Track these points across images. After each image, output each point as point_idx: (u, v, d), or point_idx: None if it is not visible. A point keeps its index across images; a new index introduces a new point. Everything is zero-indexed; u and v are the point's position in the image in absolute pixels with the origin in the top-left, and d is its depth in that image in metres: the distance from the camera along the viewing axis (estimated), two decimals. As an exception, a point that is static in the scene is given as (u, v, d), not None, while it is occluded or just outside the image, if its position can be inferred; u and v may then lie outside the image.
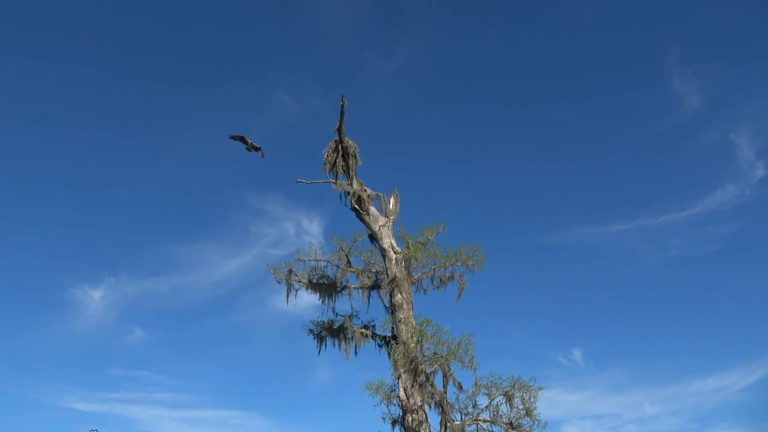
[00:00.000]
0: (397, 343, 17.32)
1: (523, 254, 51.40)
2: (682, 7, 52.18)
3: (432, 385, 16.63)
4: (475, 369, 16.18)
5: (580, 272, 49.20)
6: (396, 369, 16.61)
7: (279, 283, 20.59)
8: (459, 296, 19.28)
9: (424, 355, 16.37)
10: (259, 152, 19.92)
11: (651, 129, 52.82)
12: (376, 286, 20.42)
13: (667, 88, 51.46)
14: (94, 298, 47.89)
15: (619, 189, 52.84)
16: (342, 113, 18.70)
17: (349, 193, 19.44)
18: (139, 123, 57.36)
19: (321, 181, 19.85)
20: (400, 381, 16.76)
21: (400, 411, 16.95)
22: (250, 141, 19.57)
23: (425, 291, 19.47)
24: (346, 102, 18.34)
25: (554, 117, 57.73)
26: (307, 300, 21.06)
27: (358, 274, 20.87)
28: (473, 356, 16.29)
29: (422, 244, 19.83)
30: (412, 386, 16.35)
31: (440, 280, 19.44)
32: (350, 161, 19.28)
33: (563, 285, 48.94)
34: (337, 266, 20.85)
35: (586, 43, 55.12)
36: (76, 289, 48.68)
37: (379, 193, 20.12)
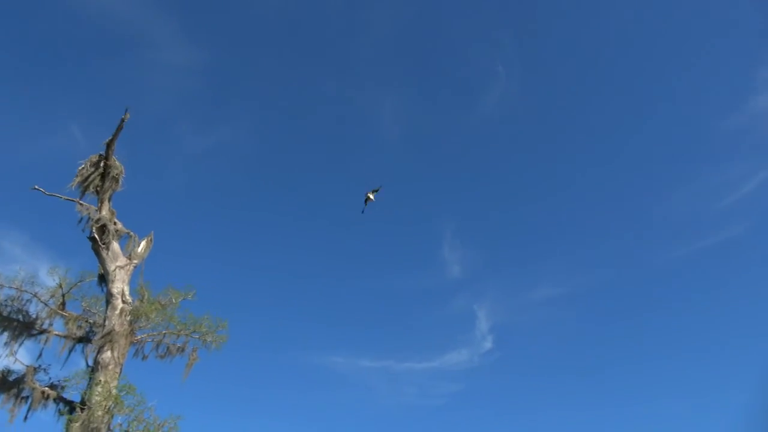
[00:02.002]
0: (82, 411, 13.64)
1: (279, 370, 49.61)
2: (459, 186, 60.34)
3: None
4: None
5: (330, 399, 48.67)
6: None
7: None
8: (186, 373, 16.37)
9: (110, 430, 12.96)
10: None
11: (419, 285, 57.67)
12: (86, 339, 16.61)
13: (440, 253, 57.52)
14: None
15: (377, 331, 55.29)
16: (120, 128, 16.10)
17: (93, 218, 16.20)
18: None
19: (63, 197, 16.43)
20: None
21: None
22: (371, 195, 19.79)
23: (145, 357, 16.25)
24: (128, 116, 15.89)
25: (340, 249, 59.74)
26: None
27: (69, 320, 16.91)
28: (174, 444, 13.37)
29: (162, 305, 16.93)
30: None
31: (168, 348, 16.45)
32: (109, 183, 16.34)
33: (312, 409, 47.37)
34: (45, 304, 16.71)
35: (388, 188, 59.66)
36: None
37: (132, 232, 17.15)
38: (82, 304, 17.40)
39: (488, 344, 49.62)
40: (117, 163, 16.51)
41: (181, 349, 16.56)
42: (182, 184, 56.38)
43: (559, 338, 52.14)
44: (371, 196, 19.90)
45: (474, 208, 60.46)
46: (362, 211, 20.10)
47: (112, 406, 13.06)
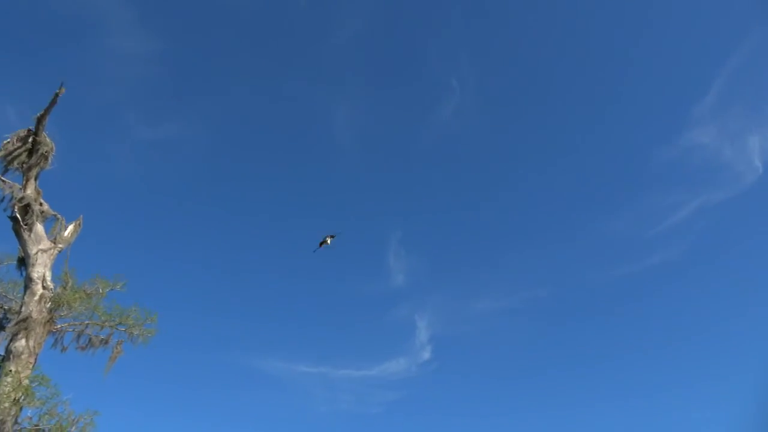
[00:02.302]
0: (-13, 403, 12.52)
1: (212, 370, 48.21)
2: (408, 195, 60.74)
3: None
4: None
5: (265, 402, 47.72)
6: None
7: None
8: (109, 367, 15.36)
9: (17, 423, 11.95)
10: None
11: (362, 291, 57.40)
12: (-1, 326, 15.38)
13: (385, 261, 57.38)
14: None
15: (316, 336, 54.60)
16: (53, 102, 15.13)
17: (15, 197, 15.08)
18: None
19: (-16, 173, 15.24)
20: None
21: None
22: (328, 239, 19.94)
23: (65, 349, 15.19)
24: (63, 90, 14.96)
25: (286, 255, 58.87)
26: None
27: (-18, 306, 15.65)
28: (88, 441, 12.48)
29: (87, 294, 15.90)
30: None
31: (90, 340, 15.43)
32: (36, 160, 15.29)
33: (245, 412, 46.19)
34: (-47, 288, 15.42)
35: (336, 197, 59.54)
36: None
37: (59, 215, 16.07)
38: (-2, 289, 16.16)
39: (427, 354, 49.80)
40: (47, 139, 15.48)
41: (105, 342, 15.57)
42: (128, 173, 54.28)
43: (498, 350, 53.00)
44: (328, 241, 19.94)
45: (421, 217, 60.92)
46: (314, 251, 20.07)
47: (22, 397, 12.07)
